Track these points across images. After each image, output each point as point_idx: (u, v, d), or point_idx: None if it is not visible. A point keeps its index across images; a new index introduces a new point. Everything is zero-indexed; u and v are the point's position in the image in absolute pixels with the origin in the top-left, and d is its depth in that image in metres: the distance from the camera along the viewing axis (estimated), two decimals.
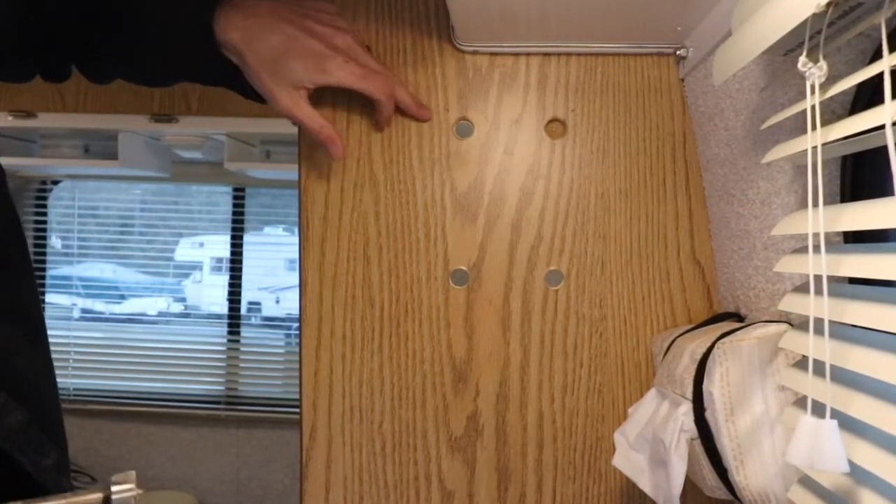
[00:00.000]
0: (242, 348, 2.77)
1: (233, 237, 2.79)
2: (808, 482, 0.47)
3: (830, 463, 0.35)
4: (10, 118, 1.92)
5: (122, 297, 2.88)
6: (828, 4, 0.35)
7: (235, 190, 2.76)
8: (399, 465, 0.71)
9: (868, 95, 0.46)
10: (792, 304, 0.47)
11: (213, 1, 0.61)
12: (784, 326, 0.51)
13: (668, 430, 0.54)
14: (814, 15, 0.36)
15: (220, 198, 2.80)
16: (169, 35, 0.63)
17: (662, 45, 0.68)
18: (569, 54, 0.70)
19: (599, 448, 0.70)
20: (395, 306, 0.71)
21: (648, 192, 0.70)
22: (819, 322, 0.40)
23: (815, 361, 0.41)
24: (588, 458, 0.71)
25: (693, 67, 0.65)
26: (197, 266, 2.86)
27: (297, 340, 0.73)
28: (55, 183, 2.76)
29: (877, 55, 0.44)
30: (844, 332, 0.41)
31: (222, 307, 2.79)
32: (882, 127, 0.34)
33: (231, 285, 2.79)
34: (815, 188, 0.39)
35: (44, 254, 2.81)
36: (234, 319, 2.78)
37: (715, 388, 0.51)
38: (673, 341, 0.63)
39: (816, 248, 0.39)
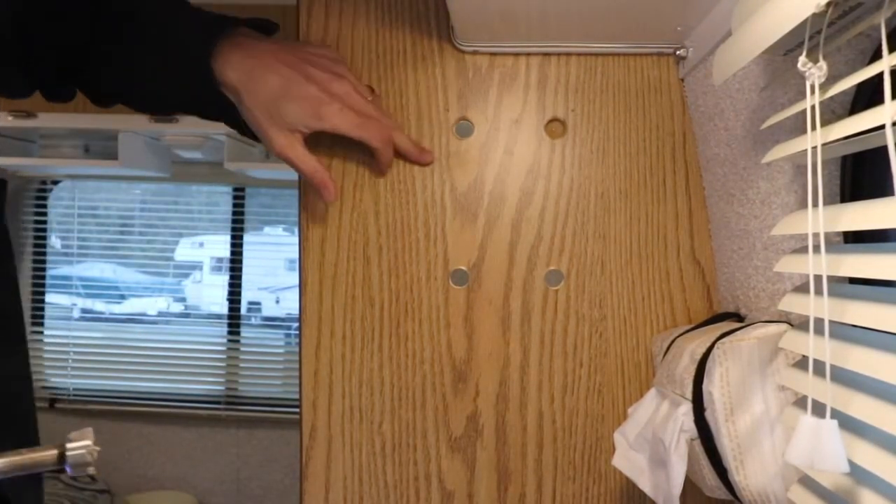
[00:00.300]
0: (242, 348, 2.77)
1: (233, 237, 2.79)
2: (808, 482, 0.47)
3: (830, 463, 0.35)
4: (10, 118, 1.92)
5: (122, 297, 2.88)
6: (828, 4, 0.35)
7: (235, 190, 2.76)
8: (399, 465, 0.71)
9: (868, 95, 0.46)
10: (792, 304, 0.47)
11: (212, 35, 0.61)
12: (784, 326, 0.51)
13: (668, 430, 0.54)
14: (814, 15, 0.36)
15: (220, 198, 2.80)
16: (168, 71, 0.63)
17: (662, 45, 0.68)
18: (569, 54, 0.70)
19: (599, 448, 0.70)
20: (395, 306, 0.71)
21: (648, 192, 0.70)
22: (819, 322, 0.40)
23: (815, 361, 0.41)
24: (588, 458, 0.71)
25: (693, 67, 0.65)
26: (197, 266, 2.86)
27: (297, 340, 0.73)
28: (55, 183, 2.76)
29: (877, 55, 0.44)
30: (844, 332, 0.41)
31: (222, 307, 2.79)
32: (882, 127, 0.34)
33: (231, 285, 2.79)
34: (814, 188, 0.39)
35: (44, 254, 2.81)
36: (234, 319, 2.78)
37: (715, 388, 0.51)
38: (673, 341, 0.63)
39: (816, 248, 0.39)
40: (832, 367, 0.39)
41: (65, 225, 2.84)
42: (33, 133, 2.22)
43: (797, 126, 0.49)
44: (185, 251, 2.85)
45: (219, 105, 0.64)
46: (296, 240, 0.73)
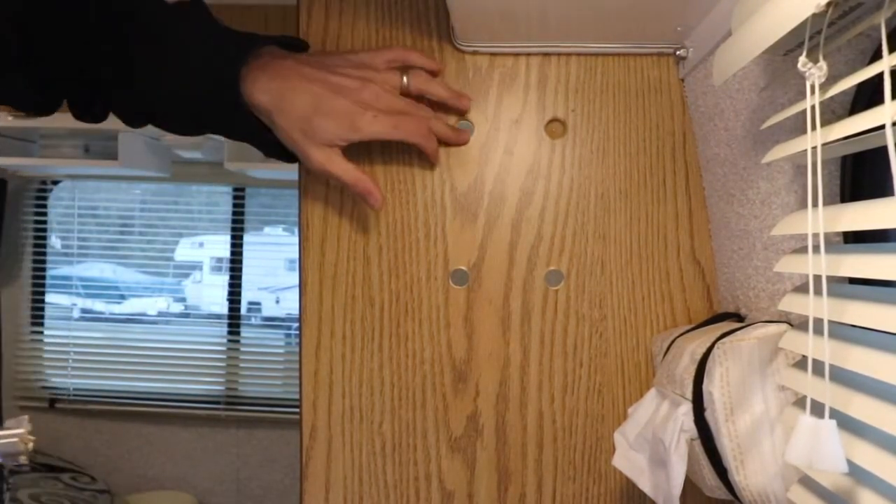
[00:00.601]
0: (242, 348, 2.77)
1: (233, 237, 2.79)
2: (808, 482, 0.47)
3: (829, 463, 0.35)
4: (10, 118, 1.92)
5: (122, 297, 2.88)
6: (828, 4, 0.35)
7: (235, 190, 2.76)
8: (399, 465, 0.71)
9: (868, 95, 0.46)
10: (792, 304, 0.47)
11: (235, 59, 0.61)
12: (784, 326, 0.51)
13: (668, 430, 0.54)
14: (814, 15, 0.36)
15: (220, 198, 2.80)
16: (197, 95, 0.62)
17: (662, 45, 0.68)
18: (569, 54, 0.70)
19: (599, 448, 0.70)
20: (395, 306, 0.71)
21: (648, 193, 0.70)
22: (819, 322, 0.40)
23: (815, 361, 0.41)
24: (588, 458, 0.71)
25: (693, 67, 0.65)
26: (197, 266, 2.86)
27: (297, 340, 0.73)
28: (55, 183, 2.77)
29: (877, 55, 0.44)
30: (844, 332, 0.41)
31: (222, 307, 2.79)
32: (882, 127, 0.34)
33: (231, 285, 2.79)
34: (814, 188, 0.39)
35: (44, 254, 2.81)
36: (234, 319, 2.78)
37: (715, 388, 0.51)
38: (673, 341, 0.63)
39: (816, 249, 0.39)
40: (831, 366, 0.39)
41: (65, 225, 2.84)
42: (33, 133, 2.22)
43: (797, 126, 0.49)
44: (185, 251, 2.85)
45: (247, 127, 0.63)
46: (296, 240, 0.73)
